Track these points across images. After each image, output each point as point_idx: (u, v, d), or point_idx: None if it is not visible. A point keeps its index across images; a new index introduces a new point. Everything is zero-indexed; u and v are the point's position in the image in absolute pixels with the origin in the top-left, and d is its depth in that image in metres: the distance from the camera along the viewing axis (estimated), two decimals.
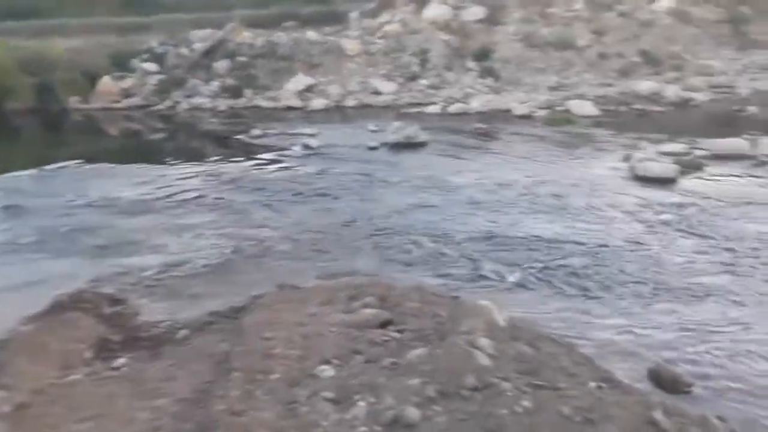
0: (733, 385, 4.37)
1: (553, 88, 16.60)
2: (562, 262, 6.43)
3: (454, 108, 15.27)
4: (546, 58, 18.18)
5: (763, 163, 9.56)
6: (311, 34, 19.36)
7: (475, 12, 19.39)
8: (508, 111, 14.63)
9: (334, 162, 10.96)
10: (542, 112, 14.20)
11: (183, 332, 4.87)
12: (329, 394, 3.38)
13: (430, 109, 15.40)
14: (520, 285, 5.99)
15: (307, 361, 3.77)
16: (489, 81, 17.30)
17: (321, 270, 6.28)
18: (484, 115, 14.36)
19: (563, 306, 5.55)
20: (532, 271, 6.25)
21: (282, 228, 7.66)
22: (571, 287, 5.90)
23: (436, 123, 13.96)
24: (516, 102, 15.18)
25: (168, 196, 9.26)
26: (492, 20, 19.22)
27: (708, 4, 20.40)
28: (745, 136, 10.56)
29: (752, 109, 13.54)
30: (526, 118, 14.05)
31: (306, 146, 12.07)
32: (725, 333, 5.03)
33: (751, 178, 9.08)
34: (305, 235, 7.36)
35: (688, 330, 5.11)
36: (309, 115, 15.93)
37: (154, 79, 18.55)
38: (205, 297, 5.70)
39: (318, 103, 16.68)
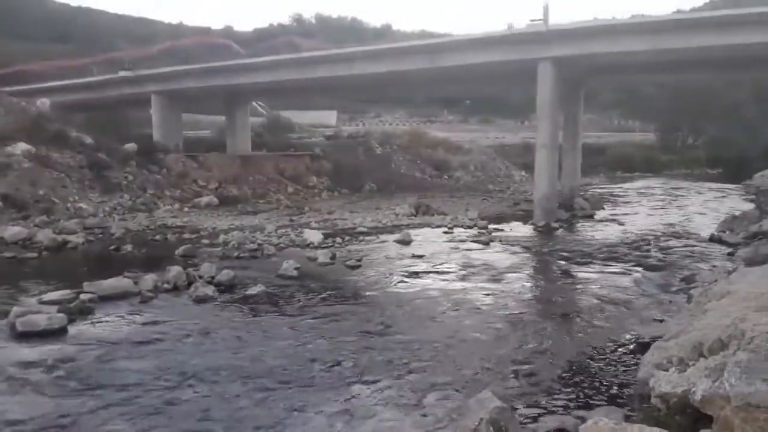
0: None
1: None
2: None
3: None
4: None
5: (149, 299, 9.78)
6: None
7: None
8: None
9: None
10: None
11: None
12: None
13: None
14: None
15: None
16: None
17: None
18: None
19: None
20: None
21: None
22: None
23: None
24: None
25: None
26: None
27: (68, 150, 20.77)
28: (126, 274, 10.72)
29: (128, 247, 14.05)
30: None
31: None
32: None
33: (139, 315, 9.08)
34: None
35: None
36: None
37: None
38: None
39: None
